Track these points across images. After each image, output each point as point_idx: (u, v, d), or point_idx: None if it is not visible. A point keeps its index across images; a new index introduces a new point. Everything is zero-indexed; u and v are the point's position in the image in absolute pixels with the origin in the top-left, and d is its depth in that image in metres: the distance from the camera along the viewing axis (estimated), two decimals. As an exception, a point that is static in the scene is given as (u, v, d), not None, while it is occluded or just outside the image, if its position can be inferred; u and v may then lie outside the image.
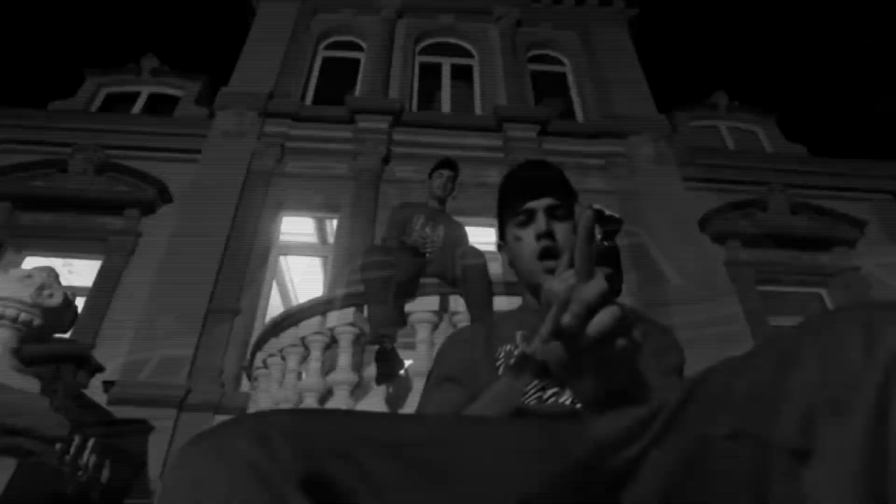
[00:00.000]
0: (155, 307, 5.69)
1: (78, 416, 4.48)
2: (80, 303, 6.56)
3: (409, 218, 3.52)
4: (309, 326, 3.35)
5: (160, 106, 8.41)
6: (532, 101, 7.99)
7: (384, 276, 2.91)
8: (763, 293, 6.88)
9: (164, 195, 6.97)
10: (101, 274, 6.56)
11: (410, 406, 2.80)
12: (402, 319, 3.06)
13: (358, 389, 3.03)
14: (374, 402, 2.89)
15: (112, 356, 5.61)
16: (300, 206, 6.79)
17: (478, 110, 7.92)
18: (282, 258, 7.41)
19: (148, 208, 6.91)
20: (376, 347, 2.85)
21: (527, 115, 7.44)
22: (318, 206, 6.79)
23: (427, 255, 3.19)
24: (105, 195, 6.89)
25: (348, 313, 3.17)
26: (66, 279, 6.93)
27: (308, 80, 8.05)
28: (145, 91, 8.52)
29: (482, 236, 7.03)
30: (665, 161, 7.24)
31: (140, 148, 7.30)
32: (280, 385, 3.38)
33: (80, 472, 4.60)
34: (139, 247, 6.68)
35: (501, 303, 3.10)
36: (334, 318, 3.24)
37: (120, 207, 6.84)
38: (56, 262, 7.26)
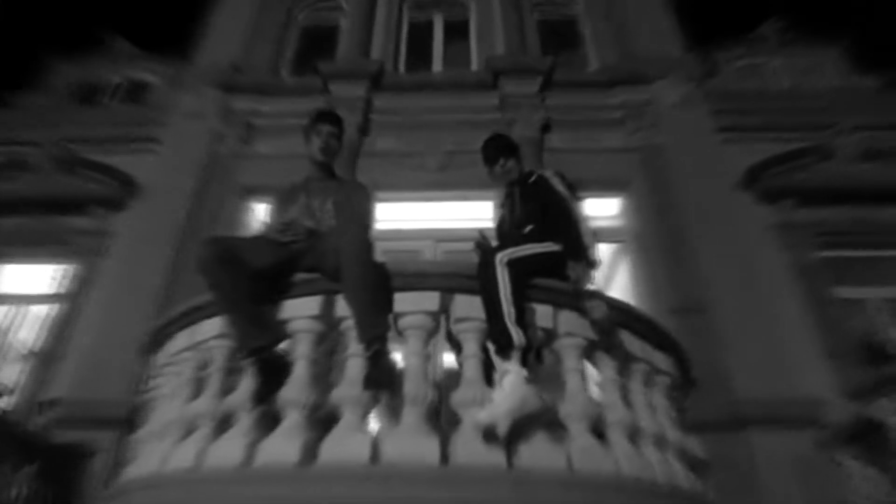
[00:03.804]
0: (103, 317, 5.29)
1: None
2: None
3: (289, 199, 2.88)
4: (183, 339, 2.76)
5: (136, 93, 8.03)
6: (537, 52, 7.06)
7: (229, 277, 2.26)
8: (828, 260, 5.78)
9: (133, 190, 6.56)
10: (69, 279, 6.25)
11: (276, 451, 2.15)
12: (275, 326, 2.41)
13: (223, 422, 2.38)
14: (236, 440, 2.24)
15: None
16: (270, 191, 6.20)
17: (474, 68, 7.09)
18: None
19: (115, 205, 6.51)
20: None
21: (525, 65, 6.54)
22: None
23: (297, 243, 2.49)
24: (67, 193, 6.55)
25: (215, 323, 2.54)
26: (51, 287, 6.81)
27: (283, 50, 7.42)
28: (117, 78, 8.15)
29: (479, 211, 6.26)
30: (694, 109, 6.21)
31: (109, 140, 6.93)
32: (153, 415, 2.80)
33: (15, 505, 4.28)
34: (109, 247, 6.32)
35: (409, 301, 2.39)
36: (206, 329, 2.62)
37: (84, 205, 6.49)
38: (40, 269, 7.10)
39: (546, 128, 6.23)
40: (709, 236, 5.54)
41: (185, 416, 2.47)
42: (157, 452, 2.44)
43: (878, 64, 7.17)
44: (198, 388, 2.58)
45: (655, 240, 5.63)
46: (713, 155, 6.00)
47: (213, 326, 2.54)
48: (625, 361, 2.67)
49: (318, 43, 7.65)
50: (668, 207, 5.75)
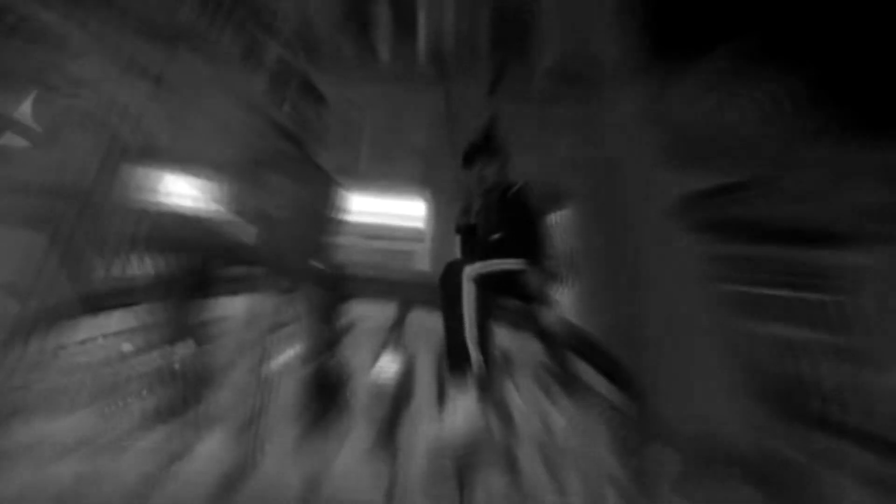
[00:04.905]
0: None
1: None
2: None
3: (247, 173, 2.69)
4: (86, 328, 2.50)
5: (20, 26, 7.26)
6: (488, 49, 7.14)
7: (163, 261, 2.07)
8: (754, 297, 6.19)
9: (15, 139, 5.94)
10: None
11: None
12: (206, 325, 2.23)
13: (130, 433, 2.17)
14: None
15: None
16: (183, 158, 5.80)
17: (421, 59, 7.06)
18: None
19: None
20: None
21: (474, 61, 6.62)
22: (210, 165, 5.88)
23: (249, 229, 2.33)
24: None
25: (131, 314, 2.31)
26: None
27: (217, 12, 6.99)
28: (28, 15, 7.32)
29: (410, 209, 6.23)
30: (645, 126, 6.48)
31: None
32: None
33: None
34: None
35: (364, 309, 2.30)
36: (118, 320, 2.38)
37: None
38: None
39: (492, 128, 6.27)
40: (645, 261, 5.78)
41: (81, 424, 2.23)
42: (34, 468, 2.19)
43: (834, 103, 7.53)
44: (99, 389, 2.34)
45: (594, 259, 5.80)
46: (658, 176, 6.26)
47: (126, 317, 2.31)
48: (577, 391, 2.70)
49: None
50: (609, 226, 5.95)
